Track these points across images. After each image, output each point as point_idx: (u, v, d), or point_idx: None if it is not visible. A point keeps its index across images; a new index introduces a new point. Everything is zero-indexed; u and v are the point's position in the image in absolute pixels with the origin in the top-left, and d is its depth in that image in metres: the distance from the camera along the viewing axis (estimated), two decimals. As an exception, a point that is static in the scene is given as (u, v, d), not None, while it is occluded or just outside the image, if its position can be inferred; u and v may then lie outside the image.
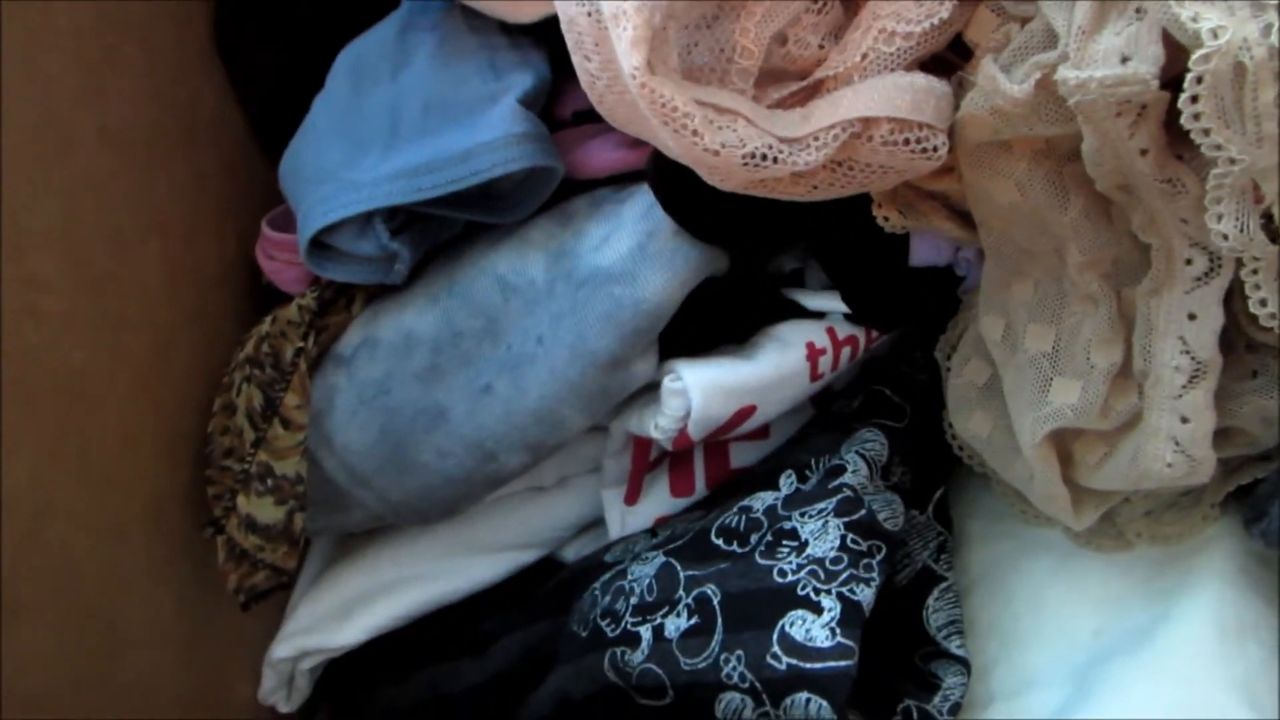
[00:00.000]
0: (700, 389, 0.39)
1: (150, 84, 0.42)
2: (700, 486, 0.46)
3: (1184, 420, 0.32)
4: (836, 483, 0.39)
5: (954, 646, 0.39)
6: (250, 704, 0.50)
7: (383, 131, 0.42)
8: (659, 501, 0.46)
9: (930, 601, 0.40)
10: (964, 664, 0.39)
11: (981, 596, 0.42)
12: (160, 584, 0.43)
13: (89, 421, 0.38)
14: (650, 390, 0.41)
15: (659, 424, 0.40)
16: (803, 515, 0.38)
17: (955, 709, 0.38)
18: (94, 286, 0.38)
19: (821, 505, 0.38)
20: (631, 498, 0.46)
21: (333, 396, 0.42)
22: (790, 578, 0.37)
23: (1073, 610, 0.40)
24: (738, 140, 0.30)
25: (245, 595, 0.42)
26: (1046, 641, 0.40)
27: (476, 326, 0.41)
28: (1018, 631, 0.40)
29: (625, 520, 0.46)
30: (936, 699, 0.38)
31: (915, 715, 0.38)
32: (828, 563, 0.37)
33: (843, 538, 0.37)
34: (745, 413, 0.40)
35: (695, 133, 0.30)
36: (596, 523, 0.48)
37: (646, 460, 0.45)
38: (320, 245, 0.42)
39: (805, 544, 0.37)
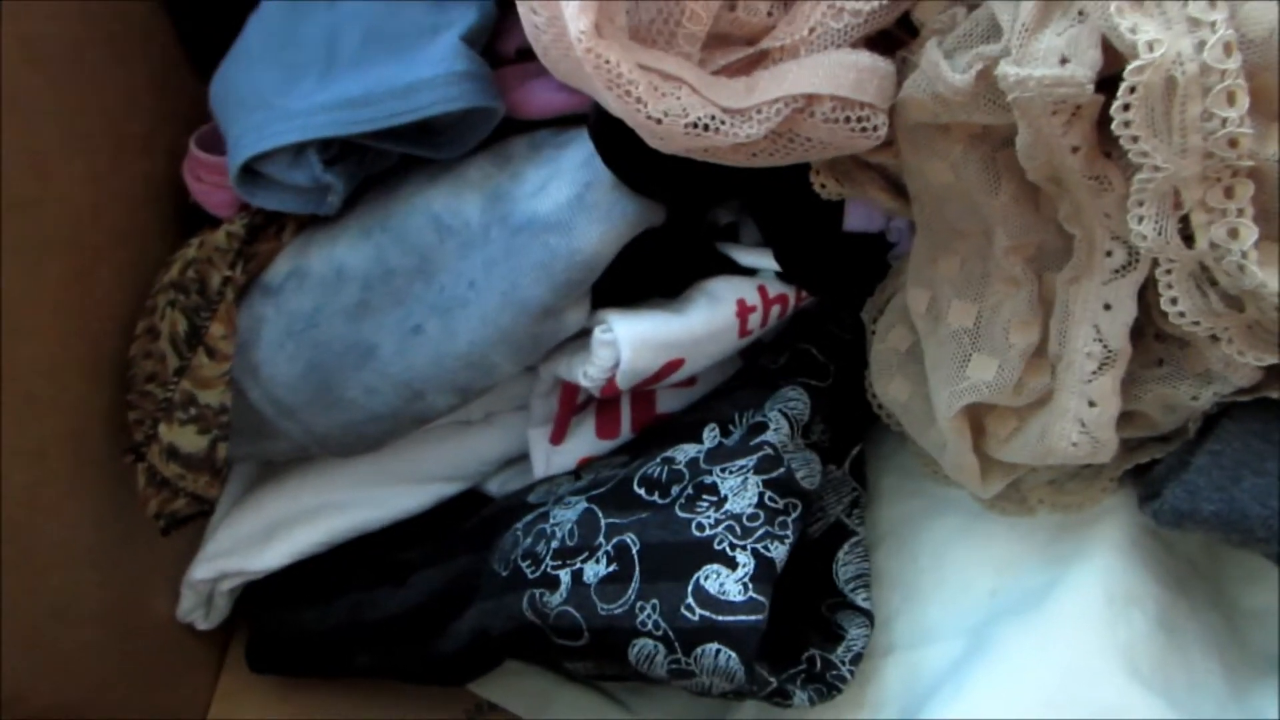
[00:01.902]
0: (630, 342, 0.39)
1: (75, -5, 0.40)
2: (626, 430, 0.47)
3: (1091, 404, 0.34)
4: (758, 440, 0.40)
5: (860, 599, 0.41)
6: (168, 622, 0.51)
7: (319, 58, 0.41)
8: (584, 443, 0.47)
9: (840, 555, 0.42)
10: (868, 616, 0.41)
11: (888, 550, 0.44)
12: (79, 505, 0.43)
13: (9, 343, 0.37)
14: (581, 337, 0.42)
15: (588, 373, 0.41)
16: (724, 471, 0.39)
17: (857, 659, 0.40)
18: (16, 207, 0.37)
19: (742, 462, 0.39)
20: (557, 438, 0.46)
21: (260, 327, 0.42)
22: (708, 532, 0.38)
23: (973, 569, 0.41)
24: (681, 109, 0.30)
25: (165, 521, 0.42)
26: (946, 598, 0.41)
27: (409, 265, 0.41)
28: (920, 586, 0.42)
29: (550, 460, 0.47)
30: (840, 649, 0.40)
31: (819, 664, 0.39)
32: (745, 519, 0.38)
33: (761, 495, 0.38)
34: (673, 365, 0.41)
35: (639, 100, 0.29)
36: (521, 458, 0.49)
37: (574, 403, 0.45)
38: (251, 172, 0.41)
39: (724, 499, 0.38)
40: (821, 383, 0.43)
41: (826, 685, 0.39)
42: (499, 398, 0.48)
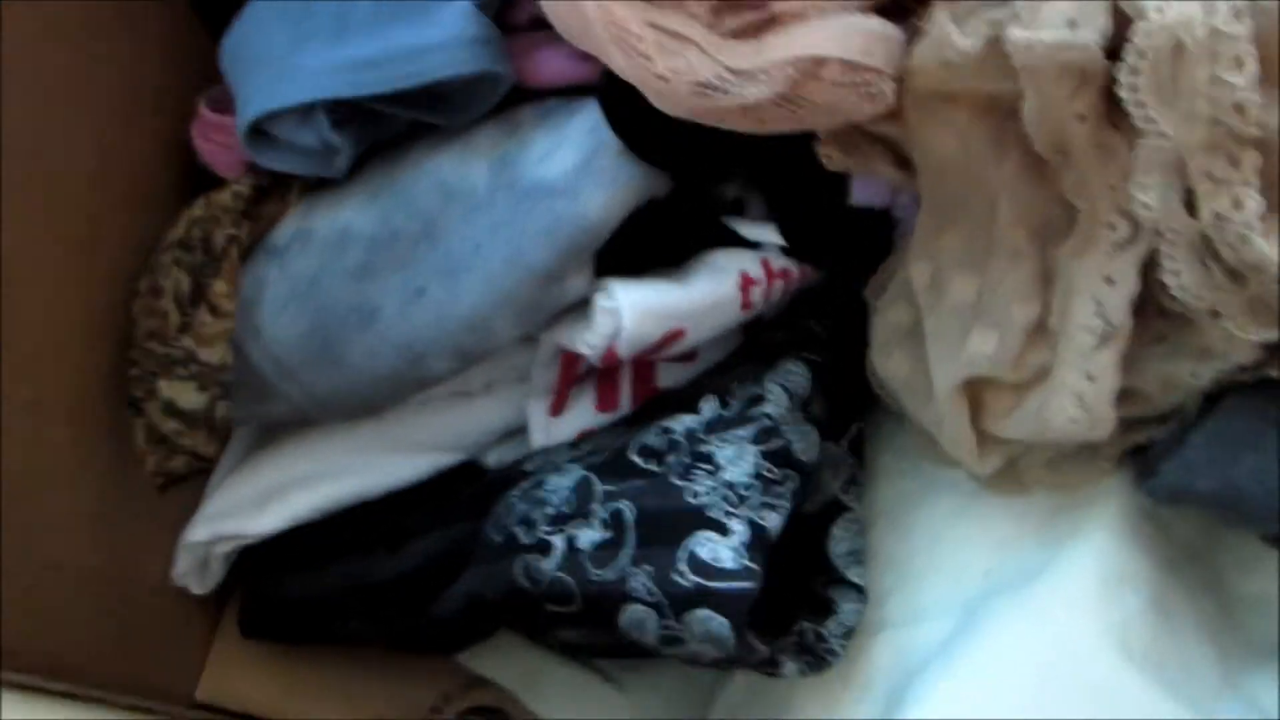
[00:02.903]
0: (632, 309, 0.39)
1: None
2: (625, 403, 0.47)
3: (1090, 379, 0.34)
4: (756, 411, 0.40)
5: (853, 575, 0.41)
6: (163, 585, 0.51)
7: (331, 18, 0.41)
8: (584, 415, 0.47)
9: (835, 530, 0.42)
10: (861, 592, 0.41)
11: (884, 529, 0.44)
12: (79, 464, 0.43)
13: (14, 299, 0.37)
14: (583, 305, 0.42)
15: (589, 340, 0.41)
16: (721, 440, 0.39)
17: (848, 633, 0.40)
18: (24, 165, 0.37)
19: (740, 432, 0.39)
20: (557, 409, 0.46)
21: (263, 287, 0.42)
22: (702, 499, 0.38)
23: (968, 549, 0.41)
24: (688, 67, 0.30)
25: (163, 478, 0.42)
26: (940, 576, 0.41)
27: (414, 228, 0.41)
28: (914, 565, 0.42)
29: (549, 431, 0.47)
30: (831, 623, 0.40)
31: (810, 637, 0.39)
32: (740, 488, 0.38)
33: (757, 465, 0.38)
34: (674, 335, 0.41)
35: (646, 56, 0.30)
36: (520, 430, 0.49)
37: (574, 373, 0.45)
38: (260, 132, 0.41)
39: (720, 468, 0.38)
40: (822, 358, 0.43)
41: (817, 657, 0.39)
42: (499, 367, 0.48)
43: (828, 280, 0.47)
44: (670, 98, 0.31)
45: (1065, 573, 0.38)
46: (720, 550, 0.37)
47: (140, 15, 0.43)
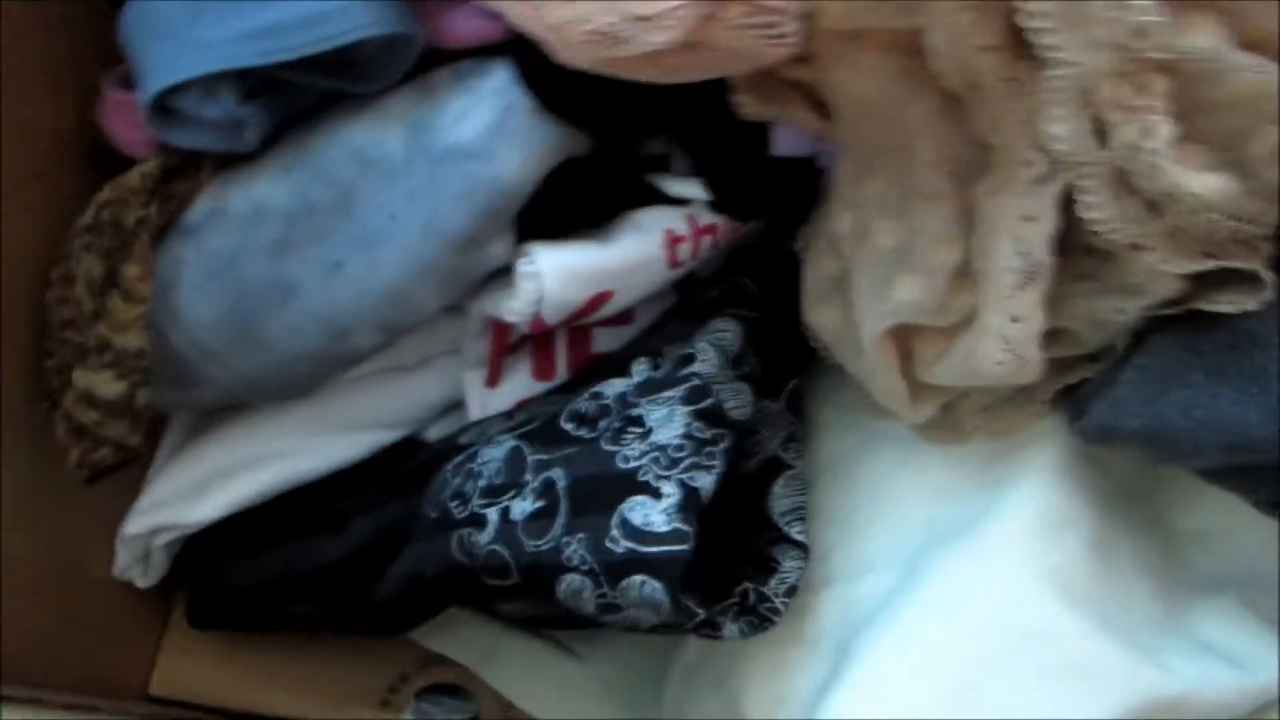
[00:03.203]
0: (554, 273, 0.39)
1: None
2: (562, 370, 0.46)
3: (1015, 320, 0.33)
4: (686, 371, 0.39)
5: (795, 532, 0.41)
6: (107, 581, 0.50)
7: (231, -12, 0.39)
8: (521, 385, 0.46)
9: (775, 488, 0.41)
10: (803, 549, 0.40)
11: (826, 484, 0.43)
12: (2, 463, 0.42)
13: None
14: (508, 272, 0.41)
15: (514, 307, 0.40)
16: (650, 403, 0.39)
17: (791, 591, 0.39)
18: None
19: (669, 393, 0.39)
20: (492, 380, 0.46)
21: (179, 269, 0.41)
22: (632, 463, 0.37)
23: (910, 500, 0.41)
24: (580, 15, 0.29)
25: (89, 470, 0.41)
26: (883, 529, 0.41)
27: (330, 199, 0.40)
28: (857, 519, 0.42)
29: (486, 403, 0.46)
30: (773, 581, 0.39)
31: (752, 598, 0.39)
32: (670, 450, 0.37)
33: (687, 425, 0.38)
34: (601, 298, 0.40)
35: (536, 5, 0.29)
36: (460, 404, 0.48)
37: (506, 343, 0.44)
38: (165, 108, 0.40)
39: (650, 431, 0.38)
40: (752, 313, 0.42)
41: (759, 617, 0.38)
42: (433, 341, 0.47)
43: (761, 235, 0.46)
44: (568, 48, 0.30)
45: (1004, 518, 0.38)
46: (652, 514, 0.36)
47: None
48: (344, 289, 0.39)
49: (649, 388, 0.39)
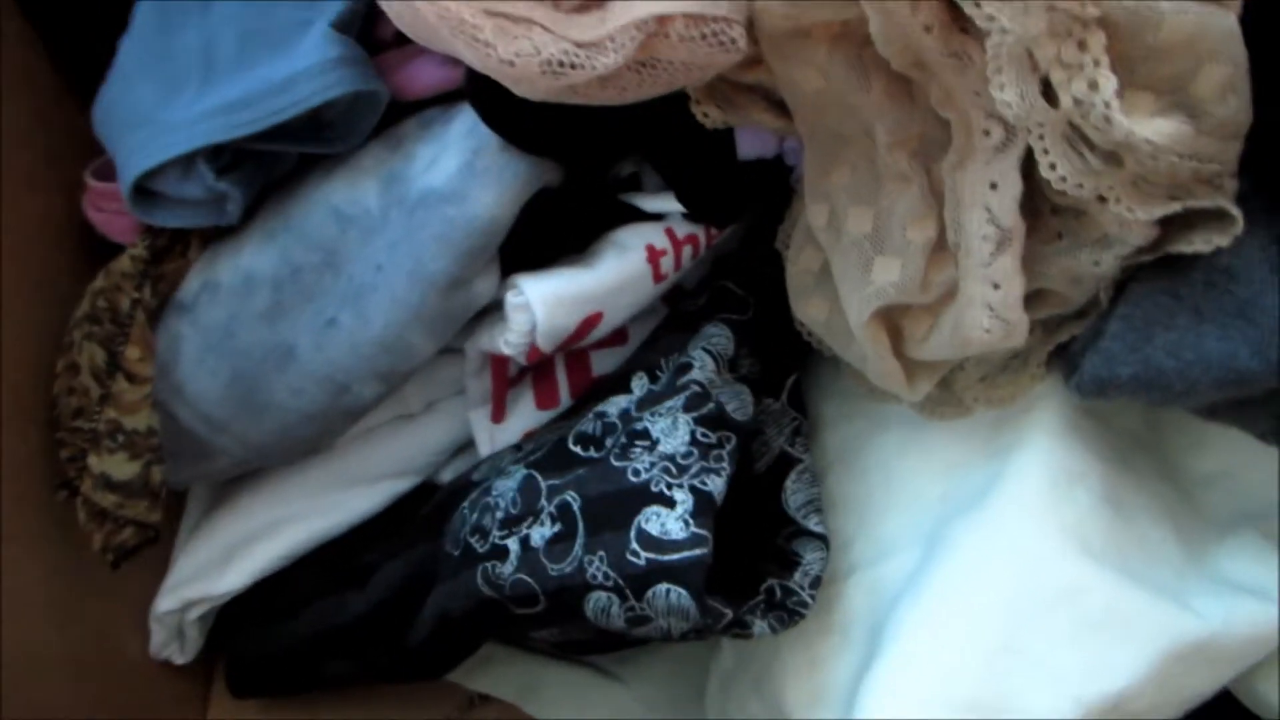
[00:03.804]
0: (543, 301, 0.39)
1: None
2: (565, 397, 0.46)
3: (995, 286, 0.34)
4: (684, 380, 0.40)
5: (812, 524, 0.41)
6: (142, 661, 0.50)
7: (197, 67, 0.41)
8: (526, 416, 0.47)
9: (788, 484, 0.42)
10: (823, 540, 0.41)
11: (839, 475, 0.44)
12: (26, 552, 0.42)
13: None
14: (498, 308, 0.42)
15: (507, 339, 0.40)
16: (653, 415, 0.39)
17: (816, 582, 0.40)
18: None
19: (670, 403, 0.39)
20: (498, 415, 0.46)
21: (178, 345, 0.42)
22: (644, 476, 0.38)
23: (921, 478, 0.41)
24: (532, 49, 0.30)
25: (114, 554, 0.42)
26: (899, 511, 0.41)
27: (315, 260, 0.41)
28: (872, 504, 0.42)
29: (494, 438, 0.46)
30: (797, 575, 0.40)
31: (778, 593, 0.39)
32: (678, 458, 0.38)
33: (692, 432, 0.38)
34: (592, 320, 0.41)
35: (488, 44, 0.29)
36: (469, 445, 0.49)
37: (506, 377, 0.45)
38: (146, 192, 0.41)
39: (656, 442, 0.38)
40: (742, 316, 0.42)
41: (787, 612, 0.39)
42: (435, 385, 0.47)
43: (744, 240, 0.47)
44: (524, 82, 0.31)
45: (1014, 482, 0.38)
46: (668, 523, 0.36)
47: (10, 97, 0.43)
48: (339, 345, 0.40)
49: (649, 401, 0.40)
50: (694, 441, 0.38)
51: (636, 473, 0.38)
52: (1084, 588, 0.36)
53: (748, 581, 0.40)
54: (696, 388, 0.39)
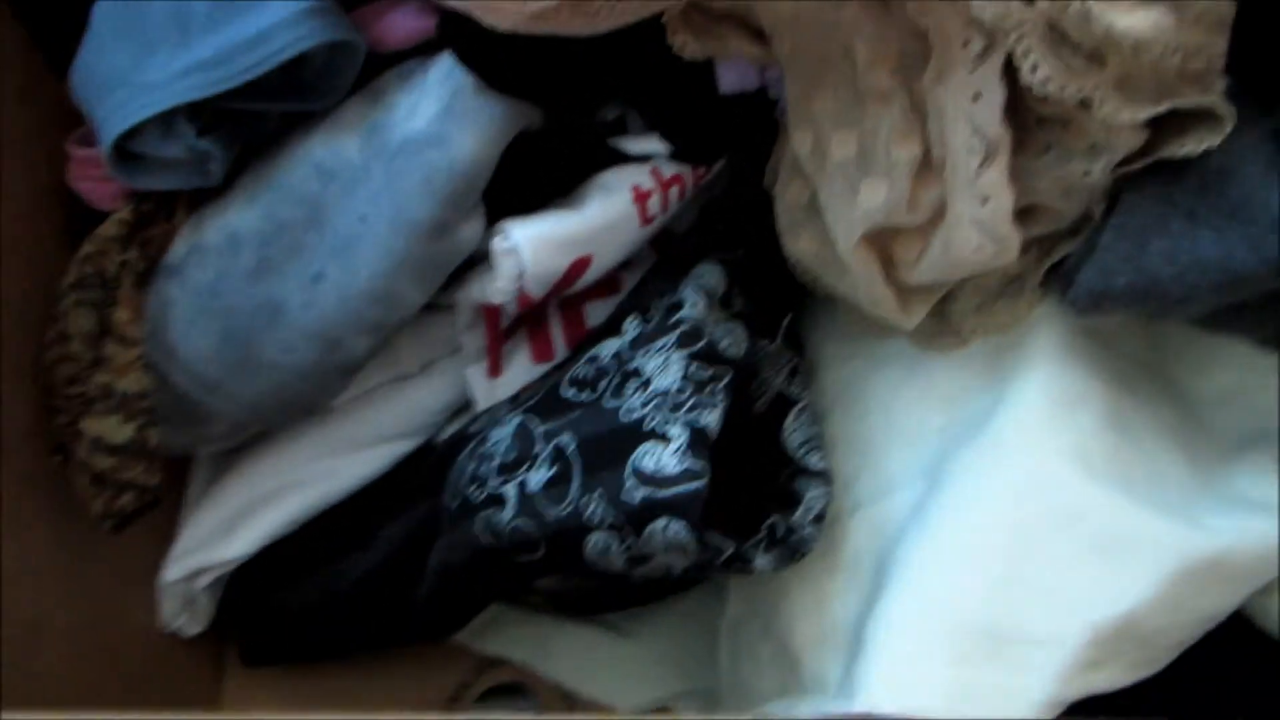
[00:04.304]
0: (530, 245, 0.39)
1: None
2: (560, 349, 0.46)
3: (984, 201, 0.33)
4: (675, 318, 0.39)
5: (813, 462, 0.41)
6: (154, 633, 0.50)
7: (171, 29, 0.40)
8: (522, 370, 0.46)
9: (787, 423, 0.41)
10: (824, 477, 0.40)
11: (839, 414, 0.43)
12: (25, 523, 0.42)
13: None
14: (486, 259, 0.41)
15: (497, 287, 0.40)
16: (645, 354, 0.39)
17: (819, 519, 0.39)
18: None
19: (663, 341, 0.39)
20: (494, 370, 0.46)
21: (168, 308, 0.42)
22: (636, 414, 0.37)
23: (921, 411, 0.41)
24: (496, -28, 0.29)
25: (114, 519, 0.42)
26: (900, 445, 0.41)
27: (300, 216, 0.40)
28: (873, 441, 0.42)
29: (492, 392, 0.46)
30: (799, 512, 0.39)
31: (780, 530, 0.39)
32: (672, 394, 0.37)
33: (685, 368, 0.38)
34: (581, 264, 0.41)
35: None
36: (468, 406, 0.48)
37: (499, 329, 0.45)
38: (128, 155, 0.40)
39: (649, 380, 0.38)
40: (732, 254, 0.42)
41: (790, 549, 0.38)
42: (431, 344, 0.47)
43: (733, 180, 0.46)
44: (491, 11, 0.31)
45: (1014, 408, 0.37)
46: (663, 458, 0.36)
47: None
48: (327, 299, 0.40)
49: (641, 341, 0.39)
50: (687, 377, 0.38)
51: (630, 411, 0.38)
52: (1088, 509, 0.36)
53: (749, 520, 0.39)
54: (688, 325, 0.39)
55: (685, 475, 0.35)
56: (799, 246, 0.40)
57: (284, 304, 0.40)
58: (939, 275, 0.36)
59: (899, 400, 0.42)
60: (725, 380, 0.38)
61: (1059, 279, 0.37)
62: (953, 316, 0.40)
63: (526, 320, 0.46)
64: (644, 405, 0.37)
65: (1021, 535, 0.36)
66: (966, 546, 0.37)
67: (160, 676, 0.51)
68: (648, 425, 0.37)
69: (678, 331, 0.39)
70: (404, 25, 0.41)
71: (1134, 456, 0.37)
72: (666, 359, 0.38)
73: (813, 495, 0.40)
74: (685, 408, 0.37)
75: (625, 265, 0.45)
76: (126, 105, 0.39)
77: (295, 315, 0.40)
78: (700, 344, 0.38)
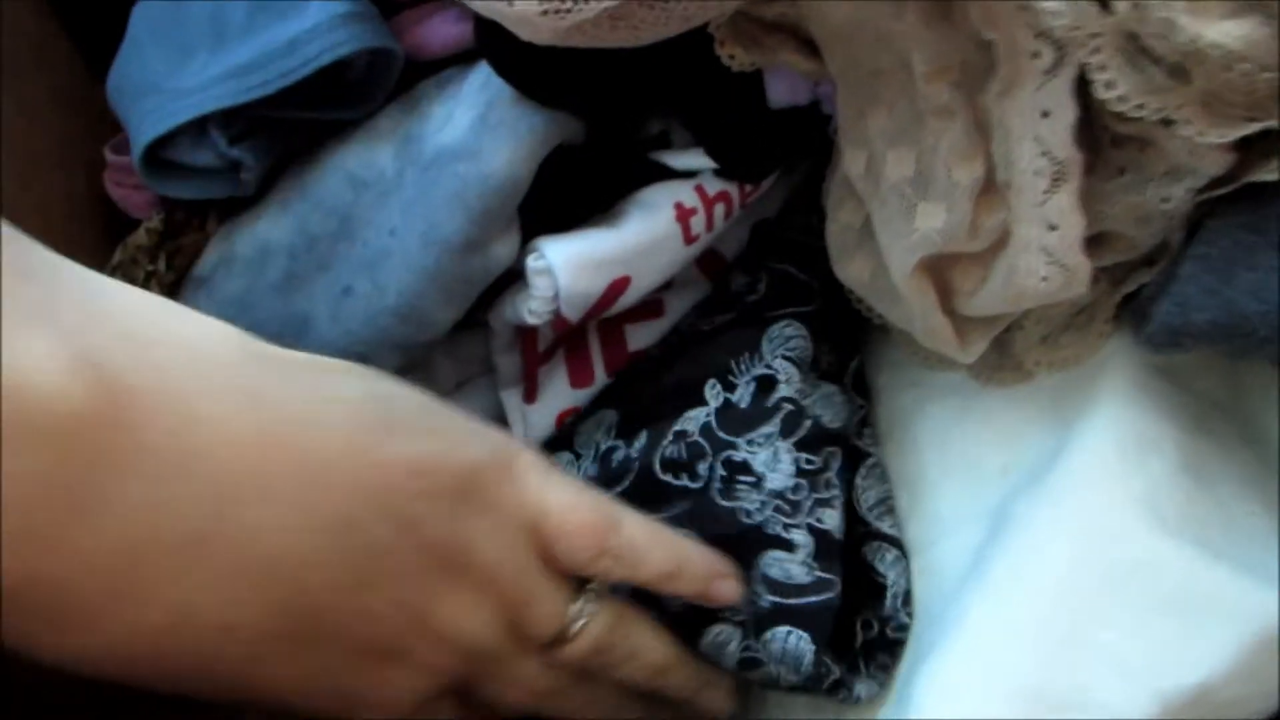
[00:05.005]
0: (565, 264, 0.37)
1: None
2: (600, 374, 0.44)
3: (1052, 227, 0.31)
4: (774, 400, 0.38)
5: (886, 526, 0.38)
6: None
7: (208, 35, 0.39)
8: (560, 395, 0.44)
9: (859, 481, 0.39)
10: (897, 544, 0.38)
11: (890, 449, 0.41)
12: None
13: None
14: (521, 277, 0.39)
15: (530, 306, 0.38)
16: (750, 444, 0.37)
17: (907, 597, 0.37)
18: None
19: (766, 429, 0.37)
20: (530, 396, 0.44)
21: (196, 320, 0.40)
22: (756, 518, 0.36)
23: (979, 449, 0.38)
24: (533, -15, 0.28)
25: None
26: (955, 484, 0.38)
27: (330, 227, 0.39)
28: (926, 479, 0.39)
29: (527, 419, 0.44)
30: (888, 601, 0.37)
31: (875, 628, 0.37)
32: (788, 494, 0.36)
33: (795, 461, 0.36)
34: (620, 285, 0.39)
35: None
36: (502, 424, 0.47)
37: (536, 352, 0.43)
38: (161, 163, 0.40)
39: (761, 478, 0.36)
40: (810, 306, 0.40)
41: (887, 648, 0.36)
42: (464, 363, 0.46)
43: (786, 205, 0.44)
44: (525, 24, 0.29)
45: (1079, 451, 0.35)
46: (791, 567, 0.35)
47: (28, 74, 0.42)
48: (355, 314, 0.38)
49: (736, 420, 0.38)
50: (800, 472, 0.36)
51: (748, 513, 0.36)
52: (1160, 563, 0.33)
53: (840, 621, 0.37)
54: (789, 406, 0.37)
55: (815, 586, 0.35)
56: (850, 272, 0.38)
57: (311, 318, 0.39)
58: (1000, 306, 0.33)
59: (955, 435, 0.39)
60: (837, 465, 0.37)
61: (1132, 312, 0.34)
62: (1015, 348, 0.38)
63: (565, 344, 0.44)
64: (762, 507, 0.36)
65: (1086, 593, 0.33)
66: (1025, 603, 0.34)
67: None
68: (770, 530, 0.36)
69: (779, 416, 0.37)
70: (444, 32, 0.40)
71: (1210, 507, 0.34)
72: (775, 452, 0.37)
73: (894, 576, 0.37)
74: (804, 509, 0.36)
75: (668, 287, 0.43)
76: (158, 111, 0.38)
77: (323, 330, 0.39)
78: (805, 428, 0.37)
